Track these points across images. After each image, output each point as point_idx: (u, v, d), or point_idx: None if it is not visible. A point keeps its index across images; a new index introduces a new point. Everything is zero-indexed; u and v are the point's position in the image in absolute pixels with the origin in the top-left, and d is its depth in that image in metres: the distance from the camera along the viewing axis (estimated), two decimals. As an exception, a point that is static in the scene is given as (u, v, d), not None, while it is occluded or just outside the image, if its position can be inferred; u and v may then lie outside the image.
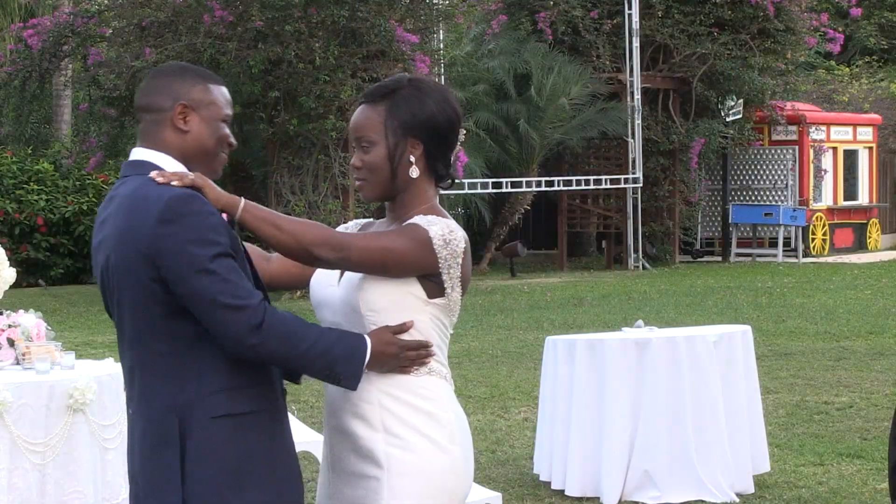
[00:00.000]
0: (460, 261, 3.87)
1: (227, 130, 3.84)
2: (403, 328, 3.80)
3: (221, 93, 3.84)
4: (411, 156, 3.91)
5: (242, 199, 3.74)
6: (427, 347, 3.83)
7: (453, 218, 4.00)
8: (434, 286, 3.86)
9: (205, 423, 3.68)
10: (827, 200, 30.68)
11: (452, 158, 4.02)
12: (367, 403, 3.84)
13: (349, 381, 3.73)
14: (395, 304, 3.82)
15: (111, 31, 22.22)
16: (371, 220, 4.18)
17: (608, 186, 27.37)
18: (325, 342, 3.69)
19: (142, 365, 3.74)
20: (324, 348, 3.68)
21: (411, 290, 3.84)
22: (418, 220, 3.86)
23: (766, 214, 29.06)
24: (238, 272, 3.65)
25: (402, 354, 3.80)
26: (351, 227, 4.14)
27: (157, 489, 3.73)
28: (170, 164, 3.76)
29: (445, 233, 3.84)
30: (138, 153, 3.81)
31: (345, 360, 3.71)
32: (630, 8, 26.82)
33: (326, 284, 3.95)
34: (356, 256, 3.77)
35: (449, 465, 3.86)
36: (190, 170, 3.78)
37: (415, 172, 3.91)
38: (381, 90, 3.93)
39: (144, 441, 3.77)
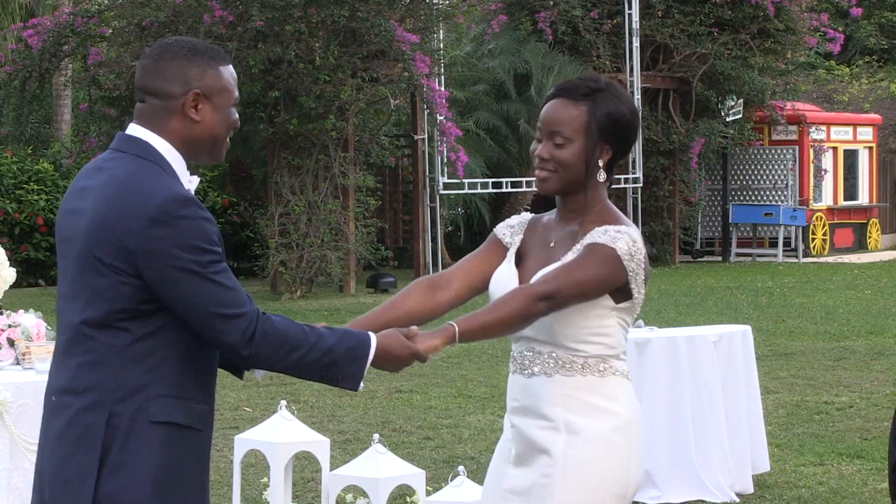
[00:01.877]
0: (644, 265, 3.94)
1: (236, 115, 3.69)
2: (411, 333, 3.74)
3: (231, 74, 3.66)
4: (601, 159, 3.95)
5: (452, 324, 3.79)
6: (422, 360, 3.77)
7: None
8: (621, 293, 3.93)
9: (141, 425, 3.48)
10: (827, 200, 30.65)
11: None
12: (552, 406, 3.93)
13: (349, 381, 3.59)
14: (581, 307, 3.90)
15: (111, 31, 22.21)
16: (534, 215, 4.17)
17: (608, 186, 27.34)
18: (324, 345, 3.55)
19: (89, 354, 3.52)
20: (322, 352, 3.54)
21: (598, 298, 3.92)
22: (599, 237, 3.91)
23: (766, 214, 29.04)
24: (233, 279, 3.51)
25: (409, 361, 3.71)
26: (516, 222, 4.14)
27: (69, 490, 3.49)
28: (168, 151, 3.58)
29: (630, 245, 3.91)
30: (138, 130, 3.61)
31: (345, 362, 3.58)
32: (630, 8, 26.79)
33: (511, 285, 3.99)
34: (562, 300, 3.85)
35: (623, 462, 3.94)
36: (190, 157, 3.63)
37: (602, 176, 3.96)
38: (583, 88, 3.94)
39: (66, 434, 3.52)
